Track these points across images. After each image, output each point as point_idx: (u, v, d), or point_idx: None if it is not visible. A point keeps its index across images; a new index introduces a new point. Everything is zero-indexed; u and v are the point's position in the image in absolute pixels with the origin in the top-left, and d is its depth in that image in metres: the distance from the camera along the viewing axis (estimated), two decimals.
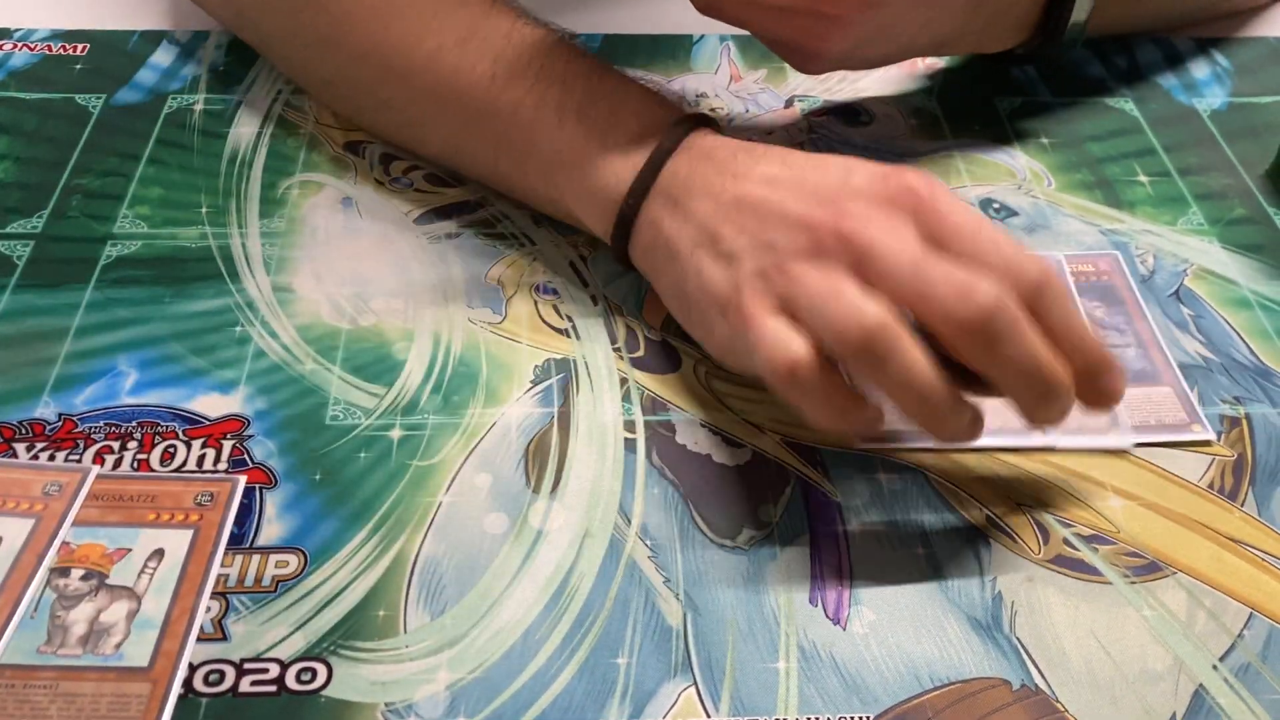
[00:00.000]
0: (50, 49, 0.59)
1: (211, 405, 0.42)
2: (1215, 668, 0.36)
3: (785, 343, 0.35)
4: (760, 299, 0.37)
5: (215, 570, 0.36)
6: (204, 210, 0.50)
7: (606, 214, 0.44)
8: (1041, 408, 0.36)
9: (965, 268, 0.34)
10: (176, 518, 0.38)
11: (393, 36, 0.48)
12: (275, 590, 0.36)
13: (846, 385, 0.36)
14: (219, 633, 0.35)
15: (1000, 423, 0.41)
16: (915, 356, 0.34)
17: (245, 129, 0.55)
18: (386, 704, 0.34)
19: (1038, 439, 0.41)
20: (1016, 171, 0.54)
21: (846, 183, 0.38)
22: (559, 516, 0.39)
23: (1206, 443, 0.42)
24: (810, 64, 0.49)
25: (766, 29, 0.48)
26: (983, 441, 0.41)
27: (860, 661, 0.35)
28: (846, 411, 0.36)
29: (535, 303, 0.47)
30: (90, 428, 0.40)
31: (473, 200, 0.51)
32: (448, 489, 0.39)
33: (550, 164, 0.45)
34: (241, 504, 0.38)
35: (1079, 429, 0.41)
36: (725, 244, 0.39)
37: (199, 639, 0.35)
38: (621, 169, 0.43)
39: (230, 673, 0.34)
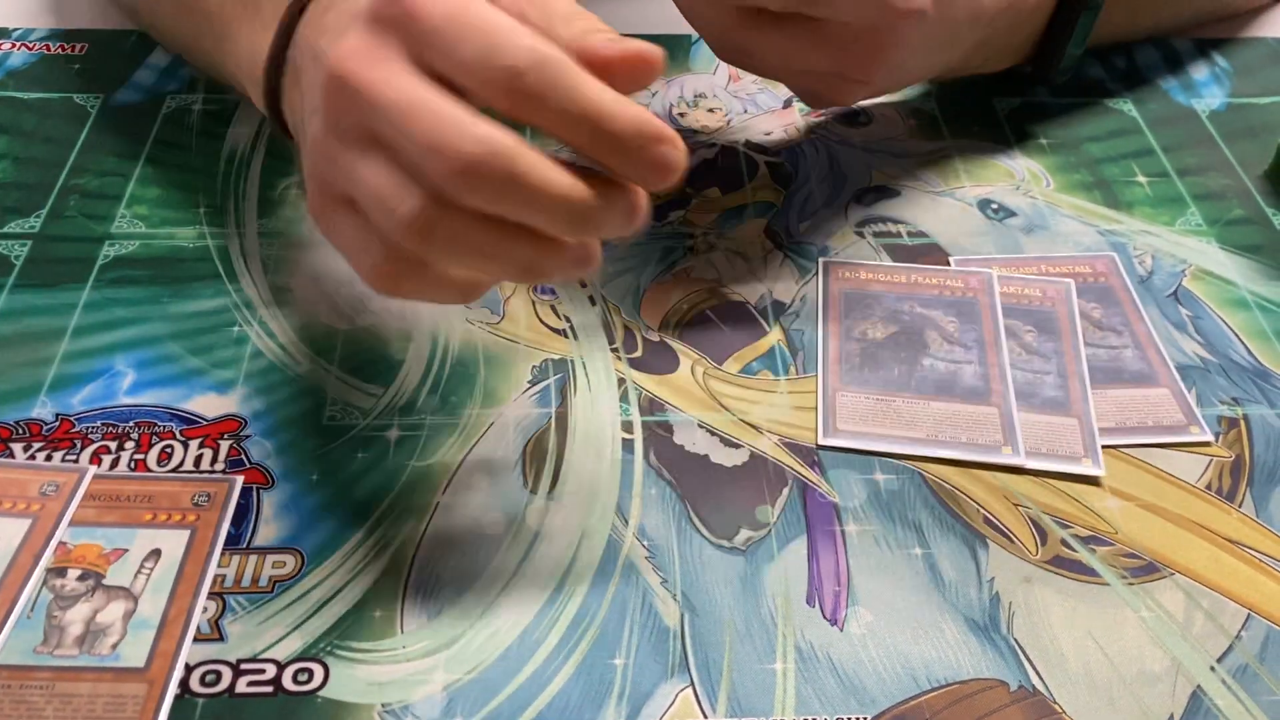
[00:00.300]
0: (49, 49, 0.59)
1: (209, 405, 0.42)
2: (1213, 669, 0.36)
3: (364, 248, 0.32)
4: (323, 200, 0.33)
5: (212, 570, 0.36)
6: (202, 210, 0.50)
7: (258, 88, 0.41)
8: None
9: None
10: (173, 518, 0.38)
11: None
12: (272, 591, 0.36)
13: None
14: (216, 633, 0.35)
15: (968, 437, 0.41)
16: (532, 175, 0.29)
17: (243, 129, 0.54)
18: (383, 704, 0.34)
19: (1006, 457, 0.41)
20: (1015, 172, 0.54)
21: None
22: (556, 517, 0.39)
23: (1205, 444, 0.42)
24: (827, 107, 0.50)
25: (791, 83, 0.50)
26: (950, 454, 0.41)
27: (858, 662, 0.35)
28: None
29: (533, 303, 0.47)
30: (87, 428, 0.40)
31: None
32: (445, 489, 0.39)
33: (220, 36, 0.46)
34: (238, 504, 0.38)
35: (1048, 452, 0.41)
36: (309, 127, 0.34)
37: (196, 639, 0.35)
38: (264, 39, 0.40)
39: (227, 673, 0.34)
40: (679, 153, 0.30)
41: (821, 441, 0.41)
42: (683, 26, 0.49)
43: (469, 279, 0.34)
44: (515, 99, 0.29)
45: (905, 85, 0.52)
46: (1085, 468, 0.41)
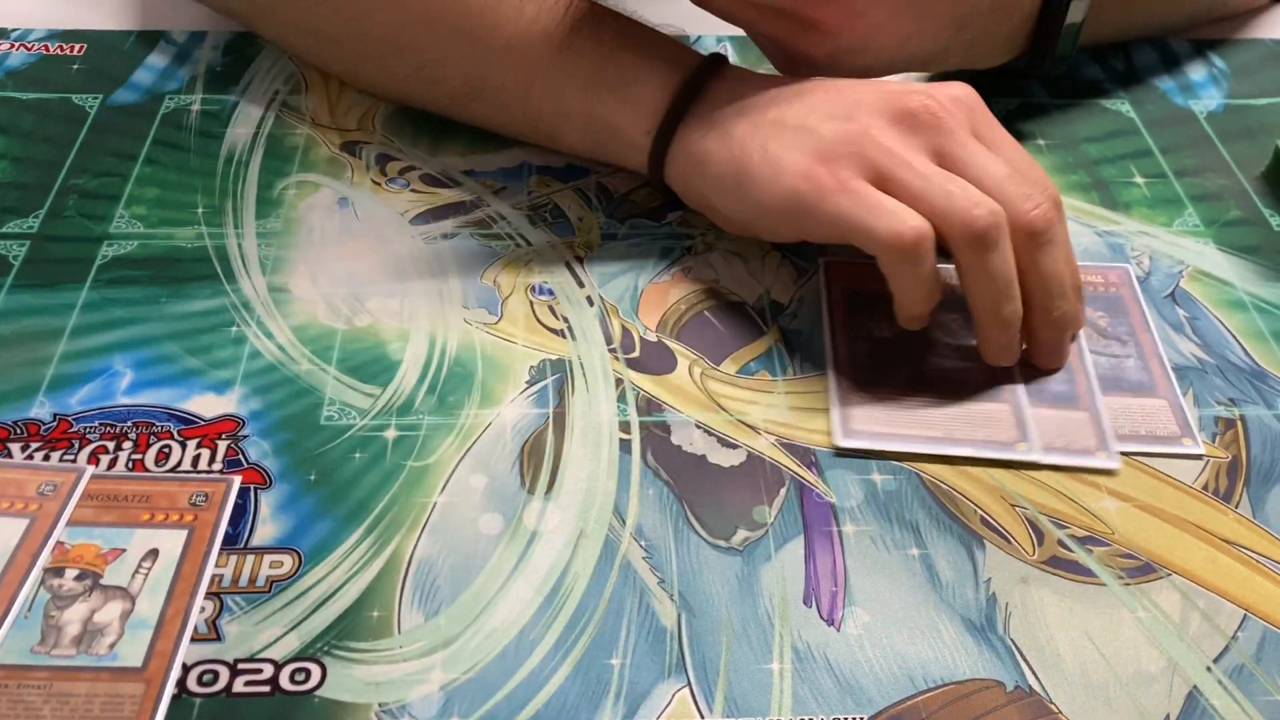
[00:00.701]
0: (47, 49, 0.59)
1: (207, 405, 0.42)
2: (1209, 669, 0.36)
3: (907, 217, 0.40)
4: (852, 169, 0.42)
5: (209, 570, 0.36)
6: (200, 210, 0.50)
7: (647, 121, 0.47)
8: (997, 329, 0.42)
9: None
10: (171, 518, 0.38)
11: None
12: (269, 590, 0.36)
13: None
14: (213, 633, 0.35)
15: (985, 435, 0.41)
16: (1010, 253, 0.41)
17: (242, 129, 0.55)
18: (380, 704, 0.34)
19: (1021, 454, 0.41)
20: None
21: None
22: (554, 517, 0.39)
23: (1196, 456, 0.42)
24: (793, 68, 0.50)
25: (754, 26, 0.50)
26: (967, 452, 0.41)
27: (854, 663, 0.35)
28: (934, 293, 0.42)
29: (531, 303, 0.47)
30: (85, 428, 0.40)
31: (469, 201, 0.51)
32: (443, 489, 0.39)
33: (587, 82, 0.48)
34: (236, 504, 0.38)
35: (1064, 447, 0.41)
36: (791, 121, 0.44)
37: (193, 639, 0.35)
38: (664, 81, 0.47)
39: (224, 673, 0.34)
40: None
41: (838, 444, 0.41)
42: (681, 26, 0.49)
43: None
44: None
45: (876, 62, 0.49)
46: (1100, 461, 0.41)
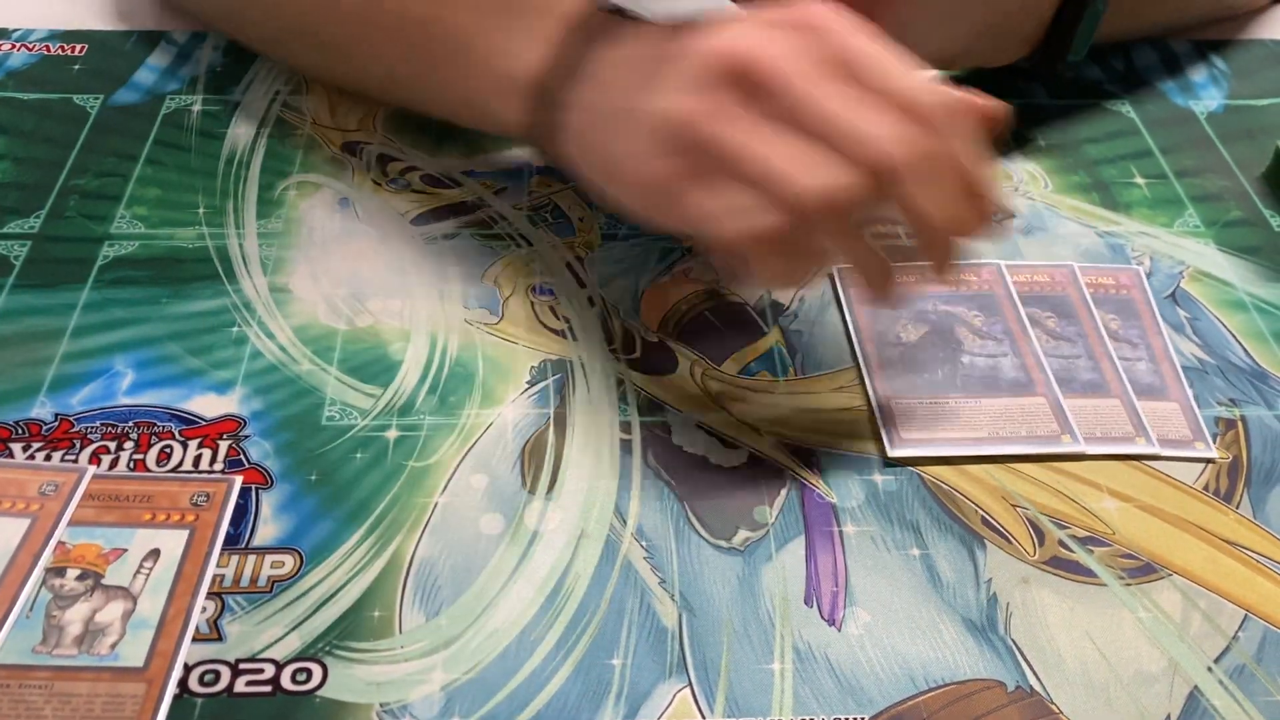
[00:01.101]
0: (48, 49, 0.59)
1: (208, 405, 0.42)
2: (1210, 669, 0.36)
3: (746, 215, 0.35)
4: (687, 163, 0.36)
5: (211, 570, 0.36)
6: (201, 211, 0.50)
7: (521, 96, 0.43)
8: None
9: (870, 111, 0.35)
10: (172, 518, 0.38)
11: None
12: (271, 591, 0.36)
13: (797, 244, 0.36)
14: (214, 633, 0.35)
15: (1027, 430, 0.42)
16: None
17: (243, 130, 0.55)
18: (381, 704, 0.34)
19: (1066, 446, 0.41)
20: (1013, 173, 0.54)
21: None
22: (555, 517, 0.39)
23: (1209, 460, 0.42)
24: None
25: None
26: (1016, 450, 0.41)
27: (855, 663, 0.35)
28: (796, 270, 0.37)
29: (532, 304, 0.47)
30: (87, 428, 0.41)
31: (470, 201, 0.51)
32: (444, 490, 0.40)
33: (456, 50, 0.45)
34: (237, 504, 0.38)
35: (1104, 436, 0.41)
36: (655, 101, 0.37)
37: (194, 639, 0.35)
38: (539, 50, 0.42)
39: (225, 673, 0.34)
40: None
41: (891, 454, 0.41)
42: None
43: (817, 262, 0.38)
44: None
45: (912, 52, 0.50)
46: (1141, 447, 0.41)
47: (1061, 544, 0.39)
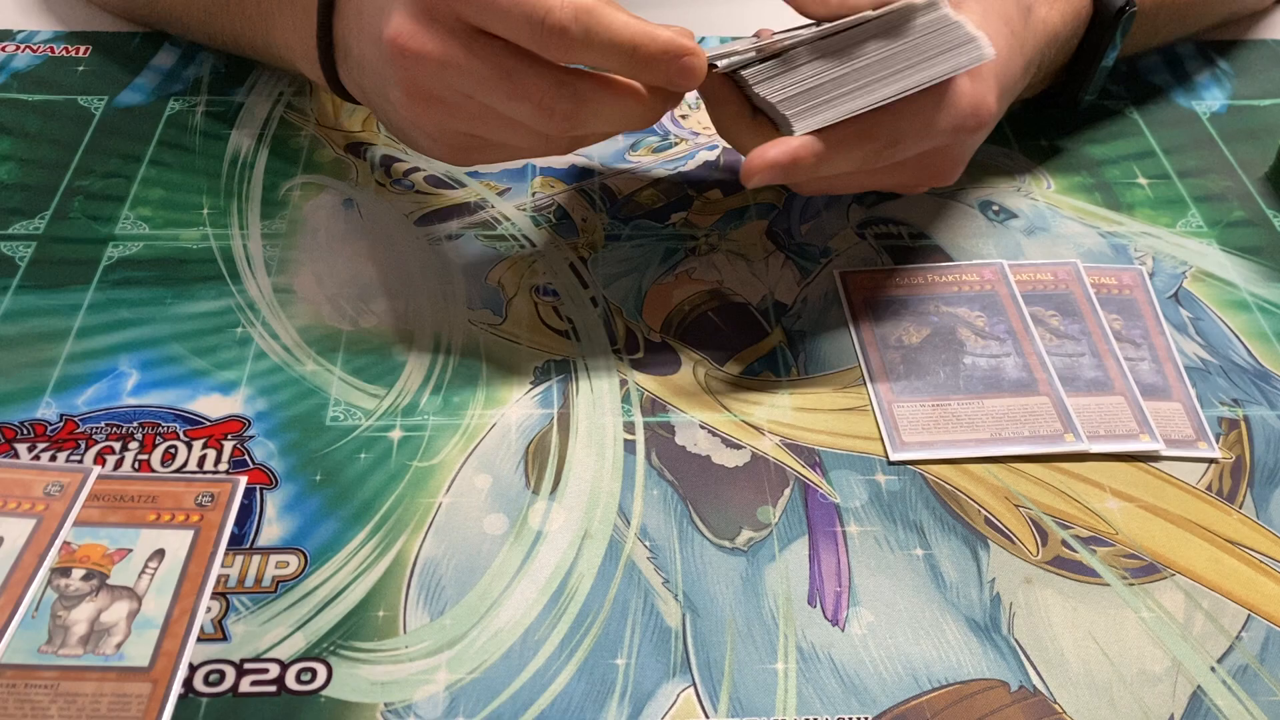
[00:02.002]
0: (53, 51, 0.59)
1: (212, 406, 0.42)
2: (1213, 669, 0.36)
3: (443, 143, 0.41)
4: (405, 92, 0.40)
5: (216, 571, 0.37)
6: (205, 212, 0.50)
7: (314, 67, 0.47)
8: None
9: None
10: (177, 518, 0.38)
11: None
12: (275, 590, 0.36)
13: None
14: (219, 633, 0.35)
15: (1030, 430, 0.42)
16: None
17: (247, 131, 0.55)
18: (386, 704, 0.34)
19: (1070, 445, 0.41)
20: (1016, 174, 0.54)
21: None
22: (558, 517, 0.39)
23: (1211, 460, 0.42)
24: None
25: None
26: (1019, 450, 0.41)
27: (859, 663, 0.35)
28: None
29: (535, 304, 0.47)
30: (91, 428, 0.41)
31: (473, 202, 0.51)
32: (448, 490, 0.40)
33: (269, 29, 0.49)
34: (242, 504, 0.39)
35: (1108, 435, 0.42)
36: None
37: (199, 639, 0.35)
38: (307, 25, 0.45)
39: (230, 673, 0.34)
40: (700, 60, 0.38)
41: (893, 457, 0.41)
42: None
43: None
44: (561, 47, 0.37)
45: None
46: (1146, 444, 0.41)
47: (1064, 544, 0.39)
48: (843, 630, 0.36)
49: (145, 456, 0.40)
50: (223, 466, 0.40)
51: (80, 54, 0.59)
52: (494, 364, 0.44)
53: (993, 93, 0.42)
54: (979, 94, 0.41)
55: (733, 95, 0.43)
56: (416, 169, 0.53)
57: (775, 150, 0.39)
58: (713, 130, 0.56)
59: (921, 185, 0.46)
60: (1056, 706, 0.35)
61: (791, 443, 0.42)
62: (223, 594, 0.36)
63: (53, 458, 0.40)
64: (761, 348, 0.46)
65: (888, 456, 0.41)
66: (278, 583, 0.37)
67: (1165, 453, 0.42)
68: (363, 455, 0.40)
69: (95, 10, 0.62)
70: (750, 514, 0.39)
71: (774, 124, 0.41)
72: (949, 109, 0.41)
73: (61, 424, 0.41)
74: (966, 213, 0.52)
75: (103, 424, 0.41)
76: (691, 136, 0.56)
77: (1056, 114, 0.58)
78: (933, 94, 0.40)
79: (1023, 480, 0.41)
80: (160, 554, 0.37)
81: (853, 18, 0.39)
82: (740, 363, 0.45)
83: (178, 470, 0.39)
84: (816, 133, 0.39)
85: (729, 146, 0.55)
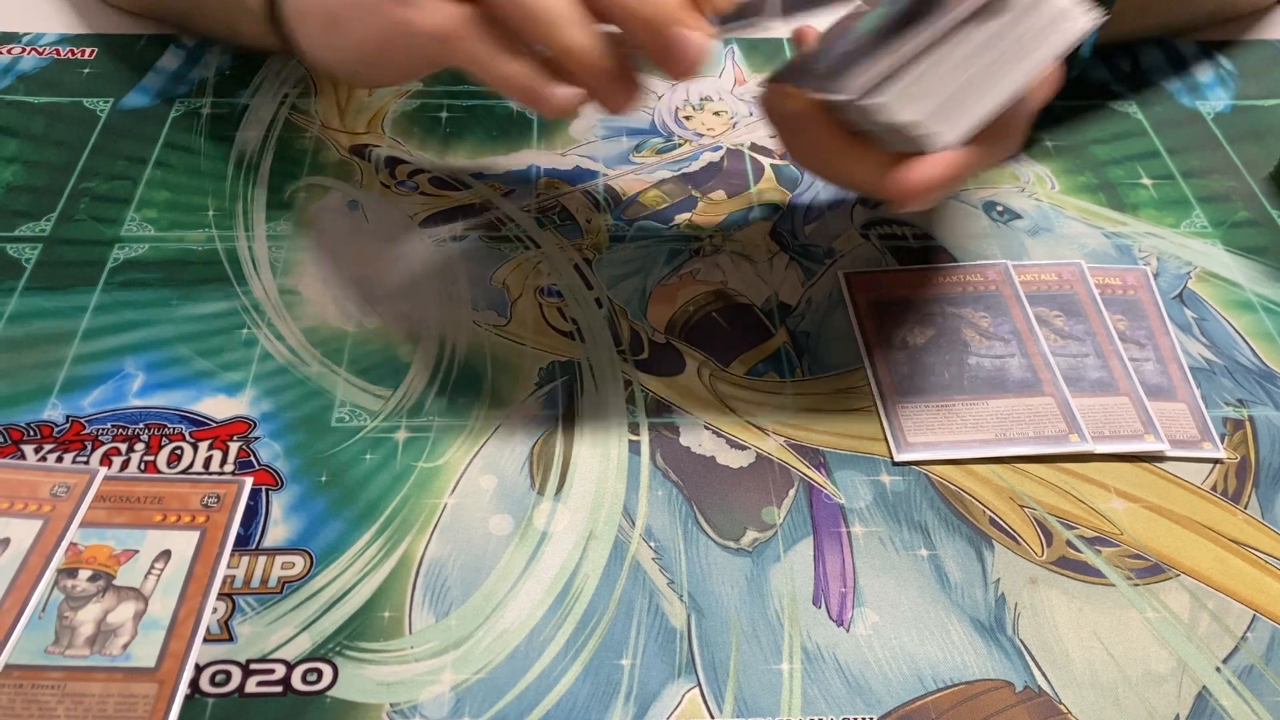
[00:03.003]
0: (59, 53, 0.59)
1: (218, 407, 0.42)
2: (1218, 670, 0.36)
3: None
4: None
5: (221, 571, 0.37)
6: (211, 213, 0.50)
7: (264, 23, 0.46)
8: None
9: None
10: (183, 519, 0.38)
11: None
12: (281, 591, 0.36)
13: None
14: (225, 633, 0.35)
15: (1034, 431, 0.42)
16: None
17: (252, 132, 0.55)
18: (392, 705, 0.34)
19: (1074, 445, 0.41)
20: (1020, 174, 0.54)
21: None
22: (563, 518, 0.39)
23: (1217, 460, 0.42)
24: None
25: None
26: (1022, 450, 0.41)
27: (864, 663, 0.35)
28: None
29: (540, 305, 0.47)
30: (98, 429, 0.41)
31: (478, 204, 0.51)
32: (453, 491, 0.40)
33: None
34: (247, 505, 0.39)
35: (1112, 435, 0.42)
36: None
37: (205, 640, 0.35)
38: None
39: (236, 673, 0.34)
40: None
41: (898, 458, 0.41)
42: None
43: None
44: None
45: None
46: (1151, 444, 0.41)
47: (1069, 544, 0.39)
48: (848, 631, 0.36)
49: (151, 458, 0.40)
50: (228, 468, 0.40)
51: (86, 56, 0.59)
52: (499, 365, 0.44)
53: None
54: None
55: (820, 118, 0.40)
56: (421, 171, 0.53)
57: (933, 169, 0.36)
58: (717, 131, 0.56)
59: (1003, 160, 0.44)
60: (1062, 707, 0.35)
61: (796, 443, 0.42)
62: (229, 595, 0.36)
63: (59, 459, 0.40)
64: (766, 349, 0.46)
65: (892, 457, 0.41)
66: (283, 583, 0.37)
67: (1170, 453, 0.42)
68: (368, 456, 0.41)
69: (104, 11, 0.62)
70: (755, 515, 0.39)
71: (882, 140, 0.38)
72: (1042, 83, 0.39)
73: (68, 425, 0.41)
74: (970, 213, 0.52)
75: (109, 425, 0.41)
76: (695, 138, 0.56)
77: (1057, 113, 0.57)
78: None
79: (1027, 481, 0.41)
80: (166, 555, 0.37)
81: (954, 13, 0.36)
82: (745, 364, 0.45)
83: (184, 471, 0.40)
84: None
85: (731, 147, 0.55)
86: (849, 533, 0.39)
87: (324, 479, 0.40)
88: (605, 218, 0.51)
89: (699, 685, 0.35)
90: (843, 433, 0.42)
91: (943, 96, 0.36)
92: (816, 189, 0.53)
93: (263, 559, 0.37)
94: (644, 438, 0.42)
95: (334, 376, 0.43)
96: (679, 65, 0.35)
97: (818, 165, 0.42)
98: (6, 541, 0.37)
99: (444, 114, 0.57)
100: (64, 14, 0.62)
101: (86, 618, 0.35)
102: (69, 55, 0.59)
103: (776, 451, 0.42)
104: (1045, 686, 0.35)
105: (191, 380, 0.43)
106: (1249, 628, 0.37)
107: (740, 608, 0.37)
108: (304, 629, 0.36)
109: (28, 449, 0.40)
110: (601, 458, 0.41)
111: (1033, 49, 0.37)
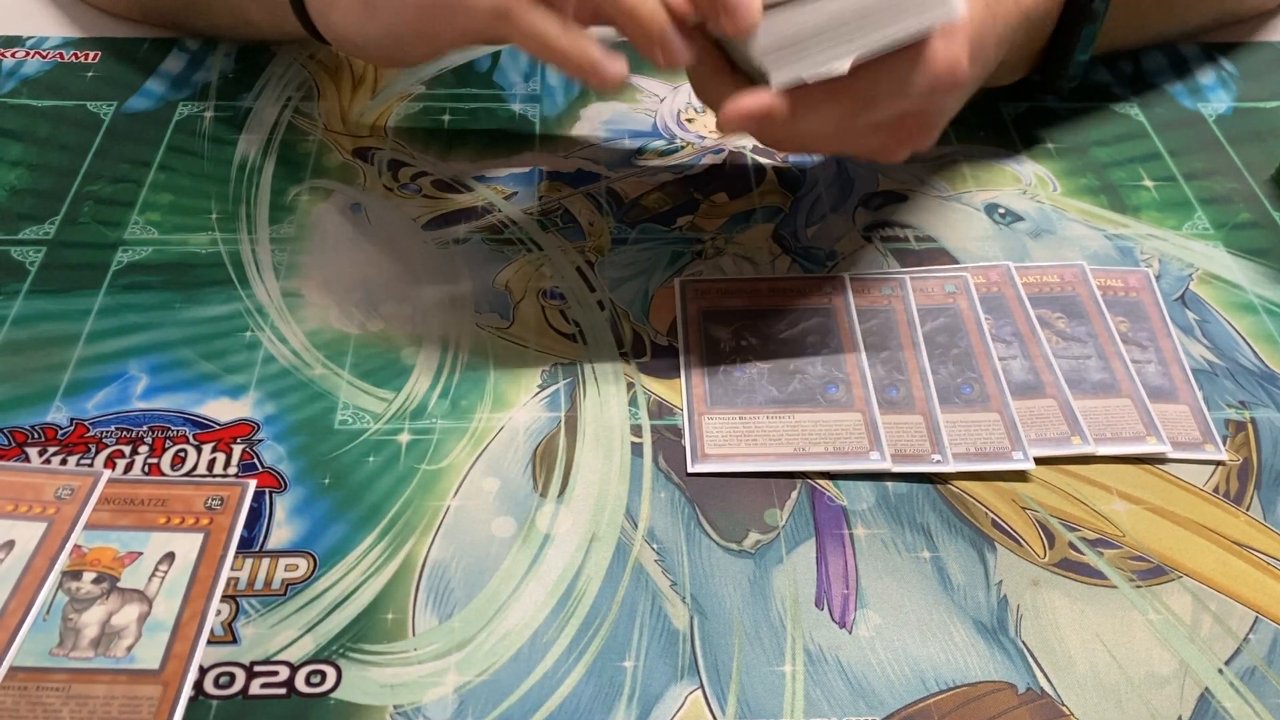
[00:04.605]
0: (62, 56, 0.59)
1: (221, 410, 0.42)
2: (1221, 671, 0.36)
3: None
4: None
5: (225, 574, 0.37)
6: (214, 216, 0.50)
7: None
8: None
9: None
10: (187, 521, 0.38)
11: None
12: (285, 593, 0.37)
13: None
14: (229, 635, 0.35)
15: (1037, 433, 0.42)
16: None
17: (255, 136, 0.55)
18: (395, 706, 0.34)
19: (1076, 448, 0.41)
20: (1022, 176, 0.55)
21: None
22: (566, 520, 0.39)
23: (1219, 462, 0.42)
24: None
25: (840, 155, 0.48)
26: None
27: (866, 665, 0.35)
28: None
29: (542, 307, 0.47)
30: (102, 432, 0.41)
31: (480, 206, 0.52)
32: (456, 493, 0.40)
33: None
34: (251, 508, 0.39)
35: (1114, 437, 0.42)
36: None
37: (209, 642, 0.35)
38: None
39: (240, 675, 0.34)
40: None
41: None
42: None
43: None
44: None
45: None
46: (1152, 446, 0.41)
47: (1072, 546, 0.39)
48: (850, 632, 0.36)
49: (155, 460, 0.40)
50: (232, 470, 0.40)
51: (89, 60, 0.59)
52: (501, 367, 0.44)
53: (966, 54, 0.42)
54: (953, 54, 0.41)
55: (711, 52, 0.42)
56: (423, 173, 0.53)
57: (750, 100, 0.39)
58: (720, 134, 0.56)
59: (899, 151, 0.45)
60: (1064, 708, 0.35)
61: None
62: (232, 597, 0.36)
63: (63, 461, 0.40)
64: None
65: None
66: (287, 585, 0.37)
67: (1172, 455, 0.42)
68: (371, 458, 0.41)
69: (107, 15, 0.63)
70: (757, 517, 0.40)
71: (751, 81, 0.41)
72: (924, 69, 0.40)
73: (72, 428, 0.41)
74: (972, 215, 0.52)
75: (113, 428, 0.41)
76: (698, 140, 0.56)
77: (1057, 111, 0.58)
78: (907, 54, 0.40)
79: (1030, 483, 0.41)
80: (170, 557, 0.37)
81: None
82: None
83: (187, 474, 0.40)
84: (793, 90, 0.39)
85: (733, 150, 0.55)
86: (851, 534, 0.39)
87: (327, 481, 0.40)
88: (607, 220, 0.51)
89: (701, 687, 0.35)
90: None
91: (793, 40, 0.38)
92: (819, 191, 0.53)
93: (266, 561, 0.37)
94: (646, 440, 0.42)
95: (337, 379, 0.43)
96: (734, 19, 0.37)
97: (700, 89, 0.43)
98: (11, 544, 0.37)
99: (446, 117, 0.57)
100: (67, 18, 0.62)
101: (91, 620, 0.35)
102: (72, 59, 0.59)
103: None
104: (1047, 688, 0.35)
105: (195, 383, 0.43)
106: (1251, 629, 0.37)
107: (743, 609, 0.37)
108: (308, 631, 0.36)
109: (32, 451, 0.40)
110: (604, 460, 0.41)
111: (894, 22, 0.38)
